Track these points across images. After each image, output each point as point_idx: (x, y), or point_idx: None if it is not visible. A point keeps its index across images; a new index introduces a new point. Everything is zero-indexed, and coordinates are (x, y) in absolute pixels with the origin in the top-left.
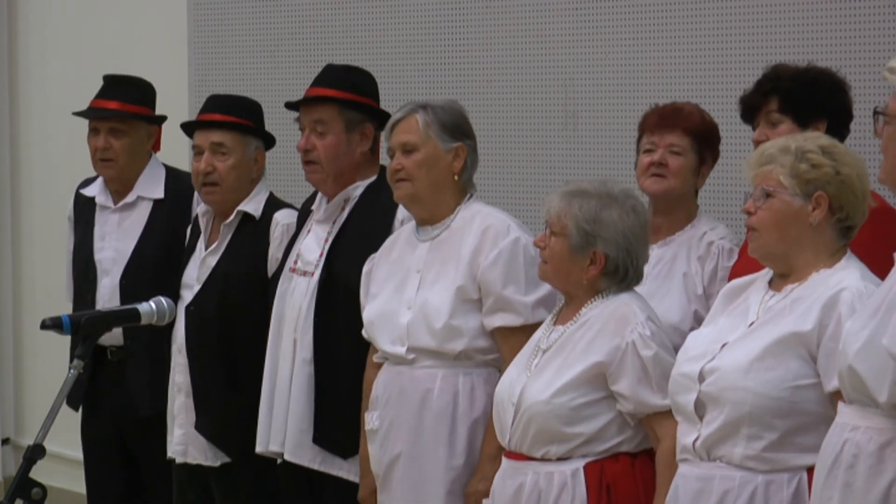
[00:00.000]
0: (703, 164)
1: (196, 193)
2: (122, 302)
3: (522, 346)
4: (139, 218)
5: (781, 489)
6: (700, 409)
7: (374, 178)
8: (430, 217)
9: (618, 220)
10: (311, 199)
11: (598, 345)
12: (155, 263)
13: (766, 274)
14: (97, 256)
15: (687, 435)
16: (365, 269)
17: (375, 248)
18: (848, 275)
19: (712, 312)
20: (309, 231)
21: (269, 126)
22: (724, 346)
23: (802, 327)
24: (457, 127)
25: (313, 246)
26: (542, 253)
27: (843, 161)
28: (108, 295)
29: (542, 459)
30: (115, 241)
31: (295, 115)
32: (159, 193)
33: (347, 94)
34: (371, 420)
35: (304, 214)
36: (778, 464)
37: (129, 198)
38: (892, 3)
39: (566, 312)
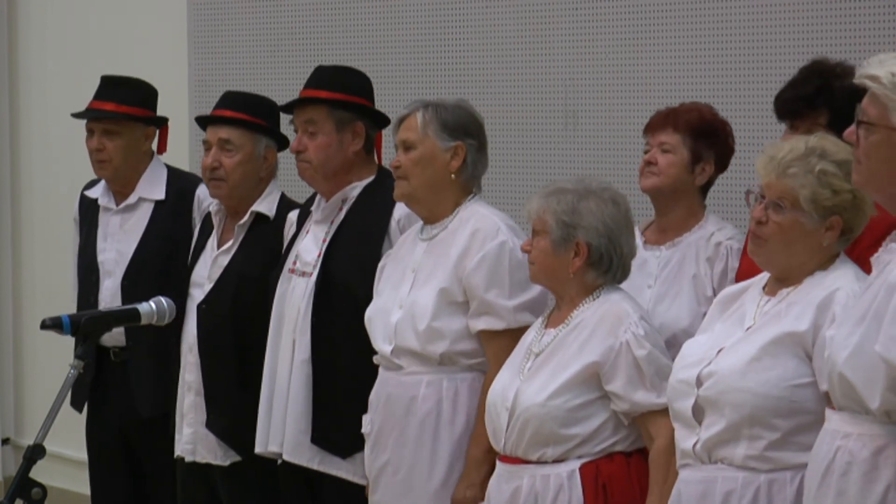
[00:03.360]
0: (701, 161)
1: (197, 194)
2: (124, 303)
3: (507, 348)
4: (140, 219)
5: (784, 487)
6: (698, 413)
7: (371, 178)
8: (430, 216)
9: (596, 209)
10: (312, 201)
11: (593, 345)
12: (156, 264)
13: (760, 280)
14: (100, 258)
15: (686, 440)
16: (380, 264)
17: (372, 249)
18: (842, 275)
19: (707, 320)
20: (307, 232)
21: None
22: (720, 350)
23: (798, 327)
24: (458, 126)
25: (311, 247)
26: (530, 256)
27: None
28: (110, 297)
29: (538, 462)
30: (117, 243)
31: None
32: (160, 194)
33: (336, 94)
34: (365, 423)
35: (304, 215)
36: (780, 463)
37: (131, 199)
38: (886, 3)
39: (557, 315)
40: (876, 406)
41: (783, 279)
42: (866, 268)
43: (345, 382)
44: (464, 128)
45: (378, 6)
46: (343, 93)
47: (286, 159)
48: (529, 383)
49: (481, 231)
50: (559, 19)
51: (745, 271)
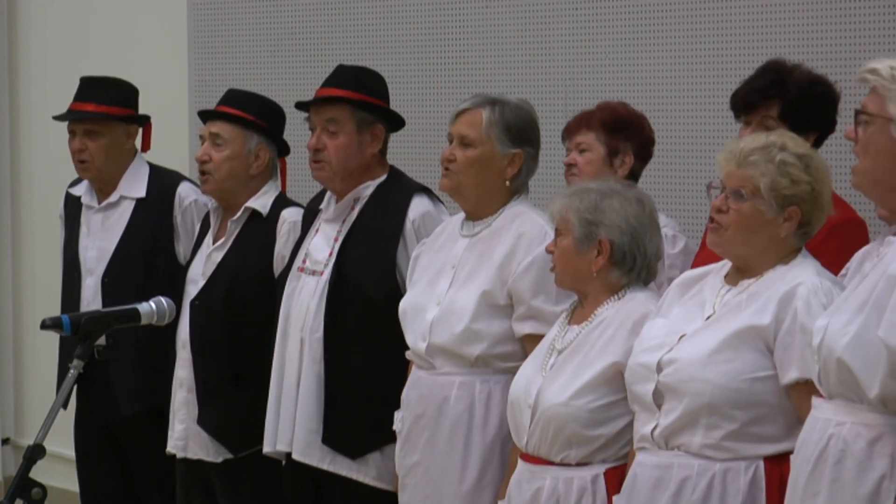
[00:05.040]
0: (619, 154)
1: (178, 192)
2: (105, 301)
3: None
4: (121, 217)
5: (739, 477)
6: (658, 398)
7: (383, 177)
8: (474, 212)
9: (619, 208)
10: (318, 199)
11: (616, 345)
12: (137, 262)
13: (721, 268)
14: (81, 256)
15: (645, 424)
16: (414, 253)
17: (386, 250)
18: (804, 270)
19: (666, 303)
20: (317, 230)
21: None
22: (681, 337)
23: (759, 321)
24: (521, 132)
25: (322, 245)
26: (553, 257)
27: (818, 177)
28: (91, 294)
29: (562, 464)
30: (99, 241)
31: (301, 114)
32: (141, 192)
33: (359, 94)
34: (396, 420)
35: (310, 214)
36: (736, 452)
37: (112, 197)
38: (886, 3)
39: (581, 312)
40: (874, 393)
41: (743, 269)
42: (841, 260)
43: (357, 383)
44: (525, 134)
45: (378, 6)
46: (365, 93)
47: (291, 161)
48: (552, 381)
49: (527, 235)
50: (559, 19)
51: (702, 262)
